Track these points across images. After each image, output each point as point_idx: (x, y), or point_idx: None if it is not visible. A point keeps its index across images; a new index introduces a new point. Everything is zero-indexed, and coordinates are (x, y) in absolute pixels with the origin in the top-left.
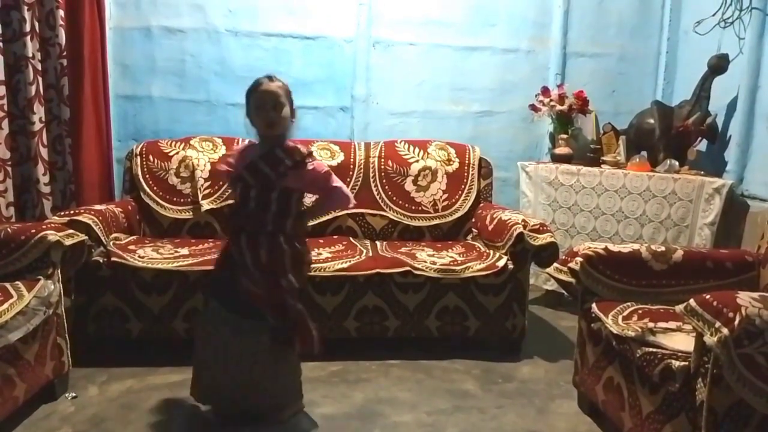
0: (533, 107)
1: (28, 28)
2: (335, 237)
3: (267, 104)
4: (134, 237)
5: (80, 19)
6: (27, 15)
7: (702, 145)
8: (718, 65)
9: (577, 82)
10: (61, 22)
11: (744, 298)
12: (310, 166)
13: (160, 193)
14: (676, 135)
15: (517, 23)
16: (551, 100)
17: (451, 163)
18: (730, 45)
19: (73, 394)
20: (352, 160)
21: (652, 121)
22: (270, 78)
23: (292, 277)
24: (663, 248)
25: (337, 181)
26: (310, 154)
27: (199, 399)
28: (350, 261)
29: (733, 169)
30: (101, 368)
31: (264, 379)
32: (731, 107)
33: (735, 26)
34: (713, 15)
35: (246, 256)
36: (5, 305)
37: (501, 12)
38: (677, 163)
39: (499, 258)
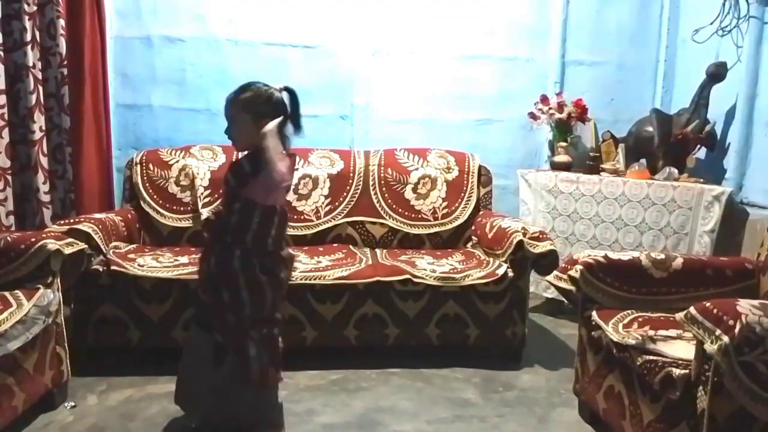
0: (532, 115)
1: (29, 37)
2: (335, 245)
3: (226, 114)
4: (134, 245)
5: (81, 29)
6: (28, 24)
7: (701, 152)
8: (717, 73)
9: (575, 90)
10: (62, 32)
11: (744, 305)
12: (265, 175)
13: (160, 202)
14: (675, 143)
15: (515, 32)
16: (550, 108)
17: (451, 171)
18: (728, 53)
19: (72, 404)
20: (351, 168)
21: (650, 128)
22: (239, 89)
23: (245, 294)
24: (663, 256)
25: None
26: (269, 161)
27: (176, 401)
28: (350, 269)
29: (732, 176)
30: (100, 377)
31: (222, 397)
32: (730, 115)
33: (733, 34)
34: (711, 23)
35: (203, 265)
36: (4, 314)
37: (500, 21)
38: (676, 171)
39: (499, 266)
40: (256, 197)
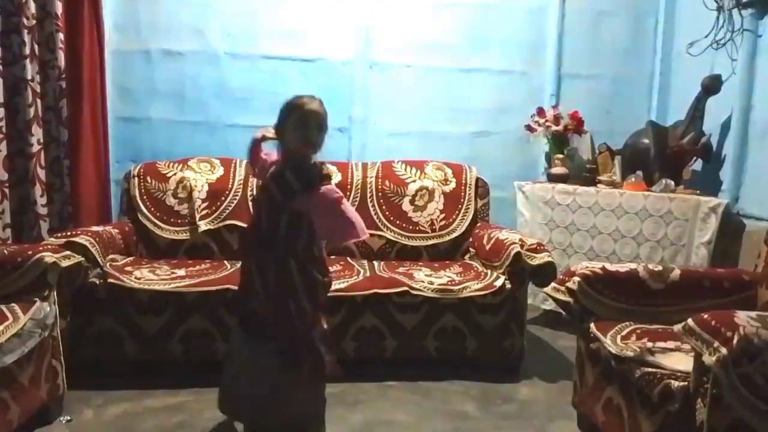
0: (529, 128)
1: (27, 51)
2: (332, 257)
3: (312, 123)
4: (131, 258)
5: (80, 43)
6: (27, 38)
7: (697, 164)
8: (711, 86)
9: (571, 102)
10: (61, 45)
11: (742, 317)
12: (319, 191)
13: (158, 214)
14: (671, 155)
15: (512, 46)
16: (547, 121)
17: (448, 183)
18: (723, 66)
19: (68, 418)
20: (349, 180)
21: (647, 141)
22: (312, 97)
23: (305, 300)
24: (660, 267)
25: (347, 210)
26: (324, 177)
27: (221, 409)
28: (348, 281)
29: (729, 188)
30: (97, 391)
31: (280, 399)
32: (725, 127)
33: (727, 47)
34: (705, 37)
35: (255, 279)
36: (0, 327)
37: (496, 34)
38: (673, 183)
39: (497, 278)
40: (303, 209)
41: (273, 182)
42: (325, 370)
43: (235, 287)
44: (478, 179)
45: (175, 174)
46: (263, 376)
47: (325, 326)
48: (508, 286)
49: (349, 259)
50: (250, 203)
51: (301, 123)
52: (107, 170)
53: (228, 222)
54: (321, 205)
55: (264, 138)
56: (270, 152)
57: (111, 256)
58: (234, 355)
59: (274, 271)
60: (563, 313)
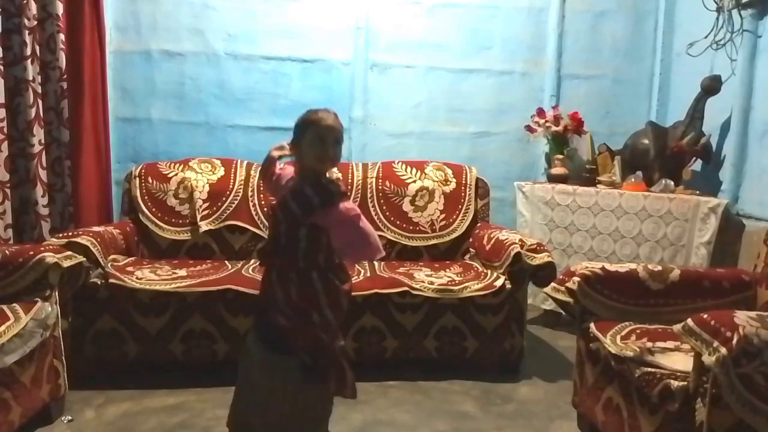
0: (529, 128)
1: (29, 51)
2: None
3: (329, 139)
4: (132, 258)
5: (81, 43)
6: (28, 39)
7: (697, 165)
8: (711, 86)
9: (571, 103)
10: (62, 46)
11: (741, 317)
12: (338, 207)
13: (159, 215)
14: (671, 155)
15: (512, 46)
16: (546, 121)
17: (448, 183)
18: (723, 66)
19: (69, 418)
20: (350, 180)
21: (646, 141)
22: (327, 111)
23: (328, 311)
24: (660, 268)
25: (365, 229)
26: (343, 194)
27: (230, 427)
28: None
29: (728, 188)
30: (98, 391)
31: (290, 418)
32: (725, 127)
33: (727, 48)
34: (705, 37)
35: (277, 292)
36: (2, 327)
37: (496, 35)
38: (672, 183)
39: (497, 278)
40: (322, 224)
41: (292, 198)
42: (348, 384)
43: (237, 287)
44: (478, 179)
45: (176, 174)
46: (274, 394)
47: (343, 342)
48: (508, 286)
49: None
50: (267, 217)
51: (319, 139)
52: (108, 170)
53: (229, 222)
54: (339, 222)
55: (280, 156)
56: (283, 167)
57: (112, 257)
58: (250, 370)
59: (297, 283)
60: (563, 313)
